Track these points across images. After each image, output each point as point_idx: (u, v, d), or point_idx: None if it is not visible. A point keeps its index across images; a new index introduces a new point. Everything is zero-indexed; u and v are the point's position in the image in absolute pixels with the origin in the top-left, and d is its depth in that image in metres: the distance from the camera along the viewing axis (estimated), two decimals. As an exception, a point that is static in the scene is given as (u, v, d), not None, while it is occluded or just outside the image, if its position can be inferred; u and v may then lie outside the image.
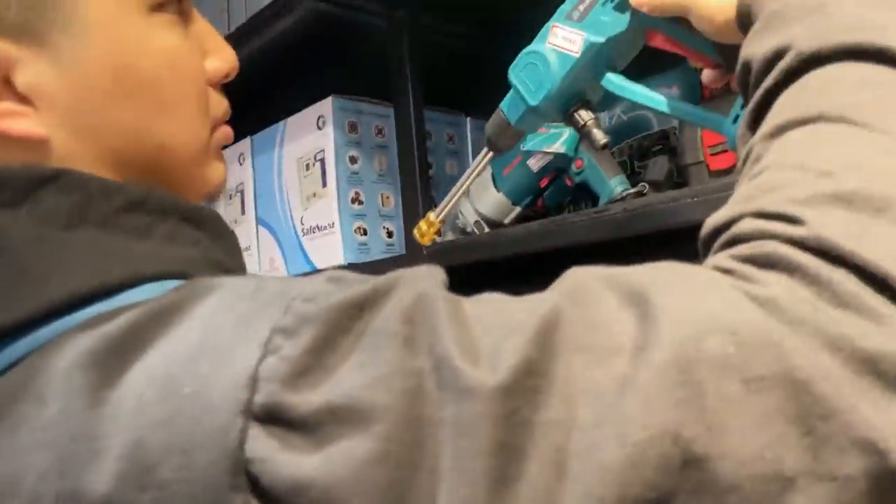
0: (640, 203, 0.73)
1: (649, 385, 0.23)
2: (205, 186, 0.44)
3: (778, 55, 0.32)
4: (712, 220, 0.30)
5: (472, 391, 0.24)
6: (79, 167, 0.36)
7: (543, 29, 0.53)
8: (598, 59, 0.52)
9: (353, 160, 1.04)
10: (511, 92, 0.54)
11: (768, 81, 0.32)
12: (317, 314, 0.27)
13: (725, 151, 0.77)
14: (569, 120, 0.55)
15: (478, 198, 0.94)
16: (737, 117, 0.47)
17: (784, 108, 0.31)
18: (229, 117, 0.46)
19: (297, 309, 0.27)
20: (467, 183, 0.63)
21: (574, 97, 0.54)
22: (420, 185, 0.95)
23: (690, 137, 0.80)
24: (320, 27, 1.02)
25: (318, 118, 1.05)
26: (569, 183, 0.87)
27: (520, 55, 0.54)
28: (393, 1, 0.96)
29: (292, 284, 0.29)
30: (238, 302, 0.28)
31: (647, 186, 0.77)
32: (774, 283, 0.25)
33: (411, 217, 0.95)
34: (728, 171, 0.78)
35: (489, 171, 0.93)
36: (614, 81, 0.53)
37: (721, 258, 0.27)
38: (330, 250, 1.03)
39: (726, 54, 0.45)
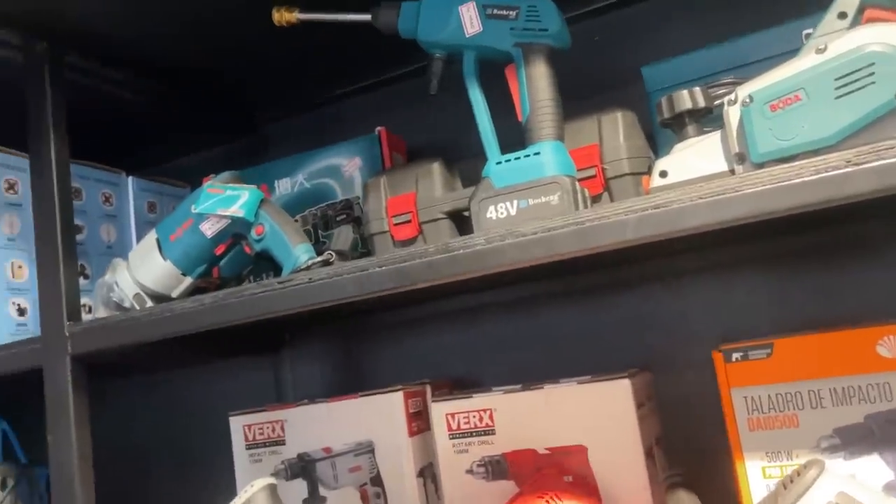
0: (328, 272, 0.67)
1: None
2: None
3: None
4: None
5: None
6: None
7: None
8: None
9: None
10: (418, 9, 0.69)
11: None
12: None
13: (409, 222, 0.77)
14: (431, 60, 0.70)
15: (139, 266, 0.80)
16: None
17: None
18: None
19: None
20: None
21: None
22: (63, 253, 0.78)
23: (375, 208, 0.79)
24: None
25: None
26: (247, 251, 0.79)
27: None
28: (31, 30, 0.80)
29: None
30: None
31: (334, 255, 0.72)
32: None
33: (50, 291, 0.78)
34: (411, 241, 0.77)
35: (153, 235, 0.80)
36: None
37: None
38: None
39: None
